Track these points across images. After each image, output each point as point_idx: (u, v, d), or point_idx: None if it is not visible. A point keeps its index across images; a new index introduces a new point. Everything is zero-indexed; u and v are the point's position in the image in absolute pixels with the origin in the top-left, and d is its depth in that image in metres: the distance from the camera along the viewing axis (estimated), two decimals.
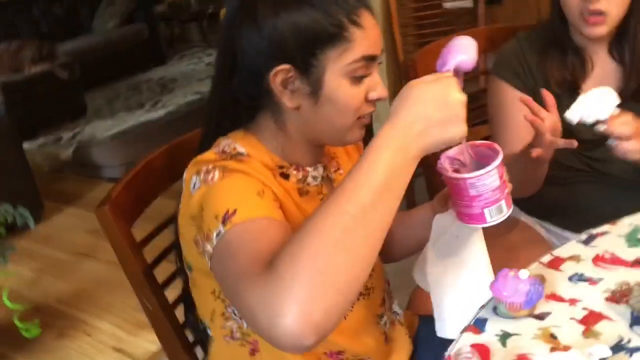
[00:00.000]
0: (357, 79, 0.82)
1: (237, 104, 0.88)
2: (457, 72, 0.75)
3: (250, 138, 0.89)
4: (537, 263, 0.97)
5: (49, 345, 2.22)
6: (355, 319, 0.98)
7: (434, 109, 0.68)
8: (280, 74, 0.81)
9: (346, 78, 0.81)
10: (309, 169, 0.93)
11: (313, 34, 0.79)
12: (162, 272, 1.04)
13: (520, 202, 1.40)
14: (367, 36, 0.81)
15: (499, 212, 0.78)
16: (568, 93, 1.23)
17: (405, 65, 1.43)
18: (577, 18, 1.17)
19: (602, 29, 1.16)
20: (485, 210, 0.78)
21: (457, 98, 0.69)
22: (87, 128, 4.51)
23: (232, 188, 0.78)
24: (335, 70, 0.81)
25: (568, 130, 1.09)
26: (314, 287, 0.61)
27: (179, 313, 1.03)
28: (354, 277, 0.64)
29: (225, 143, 0.88)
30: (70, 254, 2.85)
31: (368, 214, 0.65)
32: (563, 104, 1.23)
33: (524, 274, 0.84)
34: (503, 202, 0.78)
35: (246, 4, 0.82)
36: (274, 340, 0.62)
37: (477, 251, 0.89)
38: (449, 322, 0.91)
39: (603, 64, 1.25)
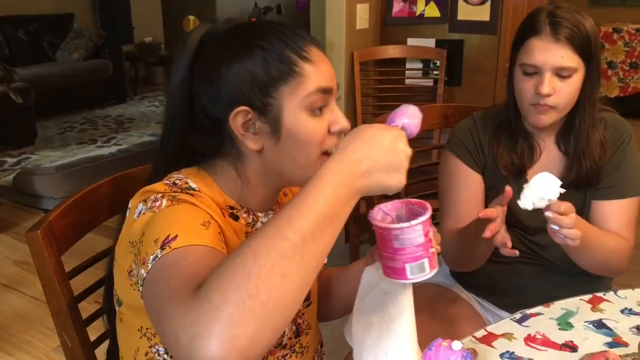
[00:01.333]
0: (316, 112, 0.82)
1: (191, 152, 0.88)
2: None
3: (203, 176, 0.87)
4: (471, 337, 0.98)
5: None
6: None
7: (381, 153, 0.70)
8: (240, 116, 0.81)
9: (305, 112, 0.82)
10: (259, 214, 0.92)
11: (265, 75, 0.80)
12: (83, 311, 0.98)
13: (461, 276, 1.41)
14: (318, 69, 0.82)
15: (420, 270, 0.77)
16: (514, 177, 1.28)
17: None
18: (526, 107, 1.23)
19: (547, 119, 1.21)
20: (407, 266, 0.77)
21: (404, 149, 0.72)
22: (34, 156, 4.38)
23: (177, 215, 0.76)
24: (293, 106, 0.81)
25: (511, 213, 1.12)
26: (242, 310, 0.57)
27: (98, 355, 0.98)
28: (285, 305, 0.61)
29: (177, 177, 0.86)
30: None
31: (307, 242, 0.63)
32: (510, 186, 1.28)
33: (456, 345, 0.84)
34: (426, 261, 0.77)
35: (200, 59, 0.83)
36: None
37: (403, 309, 0.87)
38: None
39: (549, 152, 1.30)
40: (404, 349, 0.85)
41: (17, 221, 3.33)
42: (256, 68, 0.80)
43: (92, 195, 0.99)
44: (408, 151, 0.73)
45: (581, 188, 1.27)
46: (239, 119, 0.81)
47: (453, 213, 1.31)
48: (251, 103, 0.81)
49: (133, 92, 6.44)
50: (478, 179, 1.32)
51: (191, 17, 2.83)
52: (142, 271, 0.71)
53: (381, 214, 0.81)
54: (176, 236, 0.70)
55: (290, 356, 0.97)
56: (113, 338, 0.92)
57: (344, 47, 2.72)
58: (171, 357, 0.83)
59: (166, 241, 0.70)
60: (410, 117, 0.79)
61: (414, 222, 0.76)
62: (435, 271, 0.78)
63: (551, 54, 1.16)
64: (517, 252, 1.05)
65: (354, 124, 2.79)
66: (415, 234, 0.76)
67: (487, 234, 1.01)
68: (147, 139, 4.66)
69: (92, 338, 0.98)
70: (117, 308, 0.87)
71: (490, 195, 1.30)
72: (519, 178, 1.28)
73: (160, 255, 0.69)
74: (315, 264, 0.65)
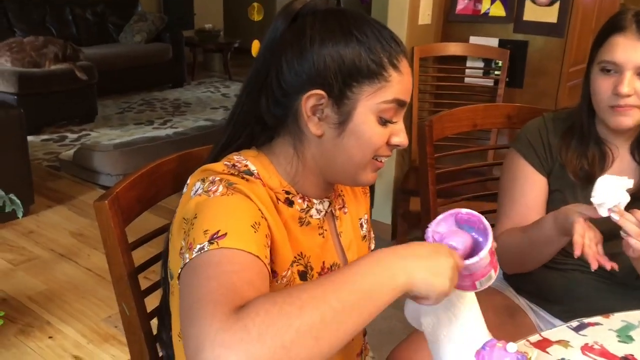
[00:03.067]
0: (383, 121, 0.84)
1: (258, 123, 0.88)
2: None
3: (262, 158, 0.89)
4: (525, 341, 0.95)
5: (8, 340, 2.15)
6: None
7: (427, 257, 0.73)
8: (312, 99, 0.82)
9: (375, 116, 0.83)
10: (315, 201, 0.92)
11: (354, 66, 0.81)
12: (143, 281, 1.01)
13: (514, 281, 1.38)
14: (402, 81, 0.84)
15: (488, 280, 0.82)
16: (583, 183, 1.24)
17: (422, 126, 1.44)
18: (604, 109, 1.18)
19: (628, 121, 1.16)
20: (477, 282, 0.81)
21: (449, 261, 0.74)
22: (93, 133, 4.53)
23: (230, 209, 0.76)
24: (367, 106, 0.82)
25: None
26: (271, 356, 0.58)
27: (154, 326, 1.00)
28: None
29: (237, 159, 0.87)
30: (51, 253, 2.80)
31: (346, 313, 0.65)
32: (577, 193, 1.24)
33: (512, 347, 0.82)
34: (492, 271, 0.82)
35: (294, 28, 0.83)
36: None
37: (471, 310, 0.88)
38: None
39: (622, 160, 1.25)
40: (478, 337, 0.85)
41: (75, 194, 3.46)
42: (348, 57, 0.81)
43: (157, 170, 1.02)
44: (453, 263, 0.74)
45: None
46: (311, 100, 0.82)
47: (512, 214, 1.28)
48: (329, 89, 0.81)
49: (190, 77, 6.57)
50: (542, 182, 1.28)
51: (255, 4, 2.86)
52: (187, 255, 0.72)
53: (437, 237, 0.82)
54: (226, 234, 0.71)
55: None
56: (165, 313, 0.94)
57: (404, 41, 2.69)
58: None
59: (215, 236, 0.71)
60: (456, 241, 0.80)
61: (482, 253, 0.78)
62: (498, 271, 0.82)
63: (635, 52, 1.12)
64: (616, 266, 1.04)
65: (408, 121, 2.79)
66: (483, 261, 0.79)
67: (577, 252, 1.01)
68: (202, 123, 4.75)
69: (151, 308, 1.00)
70: (169, 281, 0.89)
71: (555, 199, 1.26)
72: (588, 185, 1.23)
73: (207, 249, 0.70)
74: (345, 338, 0.65)
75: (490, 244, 0.79)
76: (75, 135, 4.48)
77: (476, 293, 0.89)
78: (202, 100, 5.76)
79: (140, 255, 1.01)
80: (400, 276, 0.69)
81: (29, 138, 3.38)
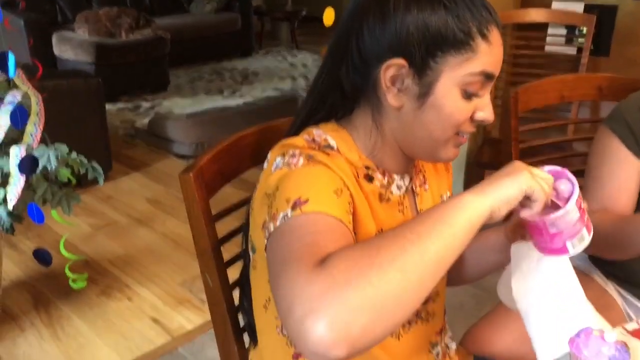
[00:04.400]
0: (468, 94, 0.79)
1: (338, 93, 0.86)
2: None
3: (342, 132, 0.86)
4: (620, 328, 0.90)
5: (91, 300, 2.27)
6: (410, 342, 0.94)
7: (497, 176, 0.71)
8: (392, 68, 0.78)
9: (459, 89, 0.79)
10: (395, 176, 0.89)
11: (440, 34, 0.76)
12: (225, 253, 1.02)
13: (601, 263, 1.32)
14: (491, 52, 0.78)
15: (580, 241, 0.77)
16: None
17: (506, 98, 1.38)
18: None
19: None
20: (568, 243, 0.77)
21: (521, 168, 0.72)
22: (166, 102, 4.64)
23: (311, 177, 0.75)
24: (451, 78, 0.78)
25: None
26: (362, 296, 0.57)
27: (236, 297, 1.02)
28: (402, 303, 0.60)
29: (317, 133, 0.86)
30: (128, 218, 2.92)
31: (424, 240, 0.62)
32: None
33: (610, 336, 0.77)
34: (584, 231, 0.77)
35: None
36: (301, 338, 0.56)
37: (567, 280, 0.85)
38: (553, 345, 0.85)
39: None
40: (583, 311, 0.84)
41: (150, 162, 3.57)
42: (433, 24, 0.76)
43: (238, 143, 1.02)
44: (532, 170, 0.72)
45: None
46: (391, 70, 0.78)
47: (599, 196, 1.20)
48: (411, 58, 0.77)
49: (258, 46, 6.60)
50: (636, 166, 1.19)
51: None
52: (271, 225, 0.72)
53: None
54: (307, 200, 0.70)
55: (416, 322, 0.96)
56: (246, 283, 0.95)
57: None
58: None
59: (297, 202, 0.70)
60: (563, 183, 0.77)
61: (568, 206, 0.74)
62: (592, 234, 0.77)
63: None
64: None
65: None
66: (571, 214, 0.74)
67: None
68: (270, 93, 4.78)
69: (234, 278, 1.01)
70: (251, 255, 0.89)
71: None
72: None
73: (290, 215, 0.70)
74: (433, 266, 0.62)
75: (577, 194, 0.74)
76: (149, 104, 4.61)
77: None
78: (270, 69, 5.78)
79: (221, 228, 1.02)
80: (480, 203, 0.67)
81: (107, 106, 3.50)
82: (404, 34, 0.77)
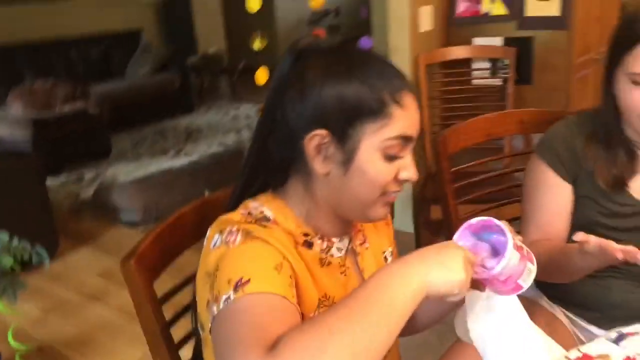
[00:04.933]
0: (389, 157, 0.83)
1: (271, 165, 0.89)
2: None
3: (278, 202, 0.89)
4: (564, 358, 0.94)
5: None
6: None
7: (440, 254, 0.74)
8: (316, 139, 0.82)
9: (379, 153, 0.83)
10: (334, 239, 0.92)
11: (356, 105, 0.81)
12: (178, 330, 1.02)
13: (547, 288, 1.37)
14: (406, 116, 0.83)
15: (529, 274, 0.81)
16: (614, 190, 1.21)
17: (436, 141, 1.43)
18: (636, 119, 1.15)
19: None
20: (519, 281, 0.81)
21: (461, 267, 0.74)
22: (110, 169, 4.57)
23: (250, 255, 0.77)
24: (371, 144, 0.82)
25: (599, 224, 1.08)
26: None
27: None
28: None
29: (253, 206, 0.88)
30: (80, 295, 2.83)
31: (375, 327, 0.65)
32: (608, 198, 1.22)
33: None
34: (529, 264, 0.81)
35: (297, 67, 0.84)
36: None
37: (516, 313, 0.89)
38: None
39: None
40: (529, 344, 0.87)
41: (99, 233, 3.49)
42: (349, 96, 0.81)
43: (178, 221, 1.02)
44: (467, 270, 0.75)
45: None
46: (315, 140, 0.82)
47: (538, 222, 1.26)
48: (332, 128, 0.81)
49: (199, 103, 6.63)
50: (567, 190, 1.25)
51: (258, 34, 2.89)
52: (214, 308, 0.73)
53: None
54: (249, 280, 0.72)
55: None
56: (199, 358, 0.94)
57: (408, 51, 2.70)
58: None
59: (239, 283, 0.71)
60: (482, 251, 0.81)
61: (507, 253, 0.78)
62: (535, 262, 0.82)
63: None
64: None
65: (420, 128, 2.77)
66: (512, 260, 0.78)
67: (619, 256, 0.96)
68: (215, 149, 4.78)
69: (189, 355, 1.00)
70: (201, 333, 0.89)
71: (584, 204, 1.24)
72: (620, 190, 1.21)
73: (233, 298, 0.71)
74: (380, 352, 0.66)
75: (510, 240, 0.78)
76: (92, 174, 4.53)
77: None
78: (213, 125, 5.79)
79: (170, 307, 1.02)
80: (414, 281, 0.71)
81: (48, 182, 3.43)
82: (323, 107, 0.81)
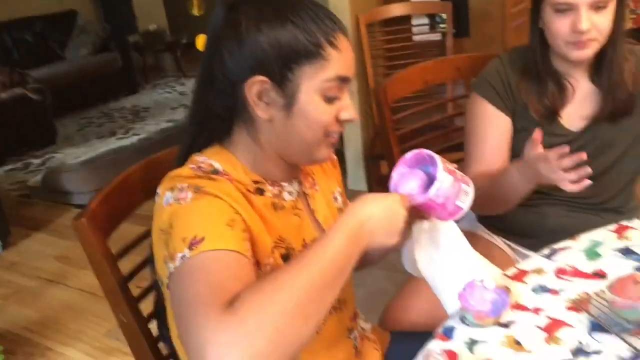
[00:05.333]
0: (329, 99, 0.86)
1: (214, 117, 0.90)
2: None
3: (225, 153, 0.91)
4: (502, 275, 1.01)
5: None
6: (328, 333, 0.99)
7: (383, 215, 0.81)
8: (256, 85, 0.84)
9: (319, 95, 0.85)
10: (284, 184, 0.95)
11: (292, 49, 0.83)
12: (134, 289, 1.04)
13: (488, 221, 1.44)
14: (342, 58, 0.86)
15: (465, 195, 0.87)
16: (547, 120, 1.29)
17: (376, 91, 1.48)
18: (563, 45, 1.21)
19: (589, 52, 1.20)
20: (457, 202, 0.86)
21: (402, 213, 0.83)
22: (57, 154, 4.47)
23: (202, 213, 0.79)
24: (310, 86, 0.85)
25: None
26: (272, 343, 0.63)
27: (153, 328, 1.04)
28: (300, 345, 0.68)
29: (201, 159, 0.90)
30: (38, 280, 2.80)
31: (326, 289, 0.72)
32: (544, 131, 1.25)
33: (490, 283, 0.88)
34: (463, 186, 0.87)
35: (231, 18, 0.85)
36: None
37: (455, 239, 0.96)
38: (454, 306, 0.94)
39: (581, 89, 1.30)
40: (476, 267, 0.93)
41: (52, 218, 3.43)
42: (285, 40, 0.82)
43: (126, 181, 1.04)
44: (404, 213, 0.83)
45: (617, 120, 1.28)
46: (255, 87, 0.84)
47: (480, 156, 1.32)
48: (271, 74, 0.84)
49: (144, 82, 6.50)
50: (507, 122, 1.31)
51: (195, 0, 2.85)
52: (171, 265, 0.75)
53: (392, 187, 0.88)
54: (203, 238, 0.74)
55: (332, 313, 1.01)
56: (162, 312, 0.97)
57: (348, 10, 2.72)
58: None
59: (194, 242, 0.74)
60: (406, 185, 0.87)
61: (438, 175, 0.83)
62: (471, 184, 0.89)
63: None
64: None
65: (365, 87, 2.82)
66: (445, 181, 0.84)
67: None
68: (164, 125, 4.72)
69: (149, 311, 1.03)
70: (161, 287, 0.92)
71: (522, 137, 1.29)
72: (552, 121, 1.28)
73: (188, 256, 0.73)
74: (327, 308, 0.73)
75: (440, 164, 0.84)
76: (39, 160, 4.42)
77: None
78: (160, 102, 5.70)
79: (126, 265, 1.04)
80: (361, 242, 0.78)
81: None
82: (260, 53, 0.83)
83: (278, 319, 0.65)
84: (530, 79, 1.29)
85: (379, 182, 2.64)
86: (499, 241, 1.42)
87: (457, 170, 0.88)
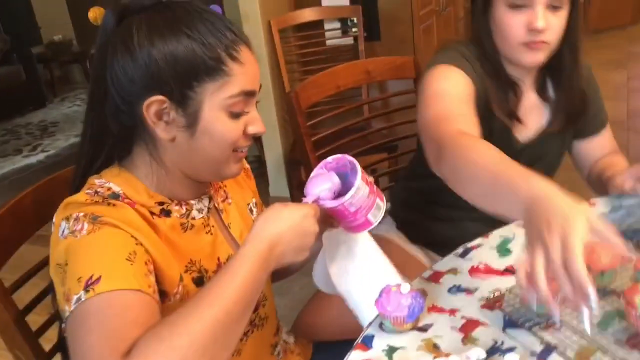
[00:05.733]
0: (235, 114, 0.82)
1: (110, 136, 0.84)
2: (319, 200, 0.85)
3: (125, 175, 0.85)
4: (419, 278, 1.01)
5: None
6: (250, 352, 0.96)
7: (293, 235, 0.78)
8: (154, 105, 0.78)
9: (224, 112, 0.80)
10: (192, 202, 0.90)
11: (190, 65, 0.77)
12: (37, 321, 0.96)
13: (405, 231, 1.44)
14: (245, 71, 0.81)
15: (378, 210, 0.86)
16: (511, 121, 1.22)
17: (289, 97, 1.46)
18: (516, 47, 1.14)
19: (541, 56, 1.14)
20: (369, 216, 0.85)
21: (313, 230, 0.81)
22: None
23: (99, 248, 0.73)
24: (213, 104, 0.79)
25: None
26: None
27: None
28: None
29: (98, 183, 0.83)
30: None
31: (233, 324, 0.70)
32: (509, 130, 1.23)
33: (405, 288, 0.87)
34: (378, 200, 0.86)
35: (121, 30, 0.79)
36: None
37: (370, 250, 0.95)
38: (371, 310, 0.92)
39: (529, 96, 1.25)
40: (390, 279, 0.91)
41: None
42: (181, 56, 0.77)
43: (16, 208, 0.95)
44: (315, 229, 0.81)
45: (569, 128, 1.27)
46: (153, 106, 0.78)
47: (445, 114, 1.06)
48: (169, 92, 0.78)
49: (52, 95, 6.18)
50: (471, 86, 1.15)
51: (96, 9, 2.72)
52: (66, 308, 0.70)
53: (317, 193, 0.85)
54: (99, 277, 0.69)
55: (252, 331, 0.98)
56: (64, 348, 0.90)
57: (259, 16, 2.69)
58: None
59: (89, 282, 0.69)
60: (319, 186, 0.84)
61: (356, 182, 0.82)
62: (385, 202, 0.87)
63: None
64: None
65: (281, 92, 2.79)
66: (361, 190, 0.83)
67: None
68: (74, 140, 4.51)
69: (47, 348, 0.96)
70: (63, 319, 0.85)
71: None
72: (511, 120, 1.22)
73: (83, 299, 0.69)
74: (236, 341, 0.72)
75: (360, 174, 0.83)
76: None
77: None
78: (70, 116, 5.45)
79: (27, 293, 0.97)
80: (270, 266, 0.76)
81: None
82: (155, 70, 0.77)
83: None
84: (490, 78, 1.19)
85: (299, 188, 2.63)
86: (415, 249, 1.41)
87: (374, 185, 0.87)
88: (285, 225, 0.78)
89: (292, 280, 1.22)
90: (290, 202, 0.81)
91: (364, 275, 0.94)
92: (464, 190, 0.90)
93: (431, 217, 1.39)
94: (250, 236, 0.76)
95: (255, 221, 0.78)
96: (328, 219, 0.95)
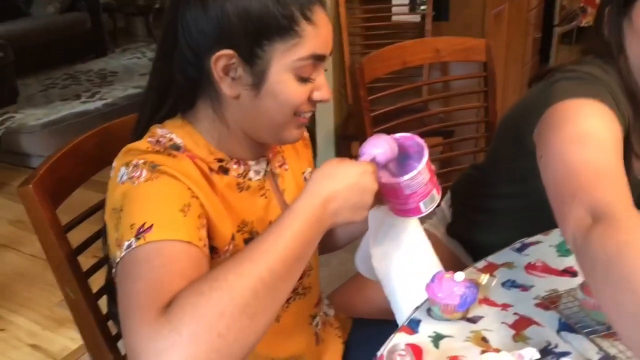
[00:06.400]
0: (302, 78, 0.80)
1: (176, 87, 0.83)
2: (374, 161, 0.80)
3: (187, 128, 0.84)
4: (472, 268, 0.98)
5: None
6: (289, 320, 0.96)
7: (349, 192, 0.74)
8: (222, 60, 0.77)
9: (291, 74, 0.79)
10: (250, 162, 0.89)
11: (262, 22, 0.75)
12: (84, 263, 0.98)
13: (458, 237, 1.35)
14: (318, 34, 0.79)
15: (431, 201, 0.82)
16: None
17: (352, 70, 1.42)
18: None
19: None
20: (421, 204, 0.82)
21: (370, 187, 0.76)
22: (18, 115, 4.28)
23: (155, 197, 0.73)
24: (281, 65, 0.78)
25: None
26: (209, 349, 0.58)
27: (102, 305, 0.98)
28: (249, 345, 0.63)
29: (161, 133, 0.82)
30: None
31: (278, 282, 0.66)
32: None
33: (459, 276, 0.84)
34: (434, 191, 0.82)
35: None
36: None
37: (418, 239, 0.91)
38: (405, 311, 0.90)
39: None
40: (431, 273, 0.87)
41: (8, 181, 3.30)
42: (254, 12, 0.75)
43: (78, 148, 0.96)
44: (374, 187, 0.77)
45: None
46: (221, 61, 0.77)
47: (587, 148, 0.81)
48: (239, 48, 0.76)
49: (114, 45, 6.28)
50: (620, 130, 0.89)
51: None
52: (117, 253, 0.70)
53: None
54: (152, 226, 0.69)
55: (294, 299, 0.97)
56: (113, 289, 0.91)
57: None
58: None
59: (141, 230, 0.68)
60: (378, 147, 0.80)
61: (419, 167, 0.79)
62: (440, 193, 0.84)
63: None
64: None
65: (341, 65, 2.75)
66: (422, 175, 0.79)
67: None
68: (131, 91, 4.57)
69: (98, 287, 0.98)
70: (112, 264, 0.86)
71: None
72: None
73: (134, 245, 0.68)
74: (281, 302, 0.68)
75: (426, 157, 0.79)
76: None
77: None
78: (129, 67, 5.52)
79: (79, 235, 0.97)
80: (324, 223, 0.72)
81: None
82: (227, 25, 0.75)
83: (217, 323, 0.59)
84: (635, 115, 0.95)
85: None
86: (457, 248, 1.34)
87: (435, 174, 0.83)
88: (342, 181, 0.74)
89: (331, 254, 1.21)
90: (347, 159, 0.78)
91: (407, 264, 0.92)
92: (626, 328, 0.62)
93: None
94: (303, 192, 0.73)
95: (310, 178, 0.75)
96: (377, 194, 0.93)
